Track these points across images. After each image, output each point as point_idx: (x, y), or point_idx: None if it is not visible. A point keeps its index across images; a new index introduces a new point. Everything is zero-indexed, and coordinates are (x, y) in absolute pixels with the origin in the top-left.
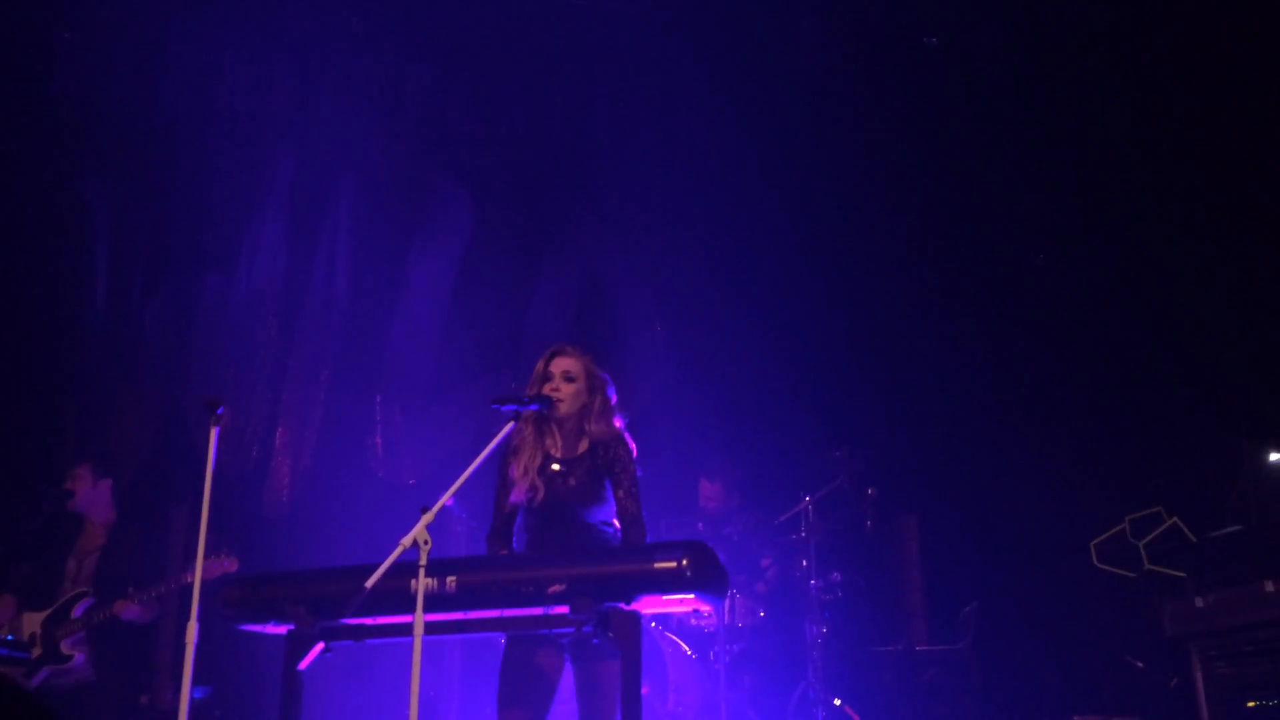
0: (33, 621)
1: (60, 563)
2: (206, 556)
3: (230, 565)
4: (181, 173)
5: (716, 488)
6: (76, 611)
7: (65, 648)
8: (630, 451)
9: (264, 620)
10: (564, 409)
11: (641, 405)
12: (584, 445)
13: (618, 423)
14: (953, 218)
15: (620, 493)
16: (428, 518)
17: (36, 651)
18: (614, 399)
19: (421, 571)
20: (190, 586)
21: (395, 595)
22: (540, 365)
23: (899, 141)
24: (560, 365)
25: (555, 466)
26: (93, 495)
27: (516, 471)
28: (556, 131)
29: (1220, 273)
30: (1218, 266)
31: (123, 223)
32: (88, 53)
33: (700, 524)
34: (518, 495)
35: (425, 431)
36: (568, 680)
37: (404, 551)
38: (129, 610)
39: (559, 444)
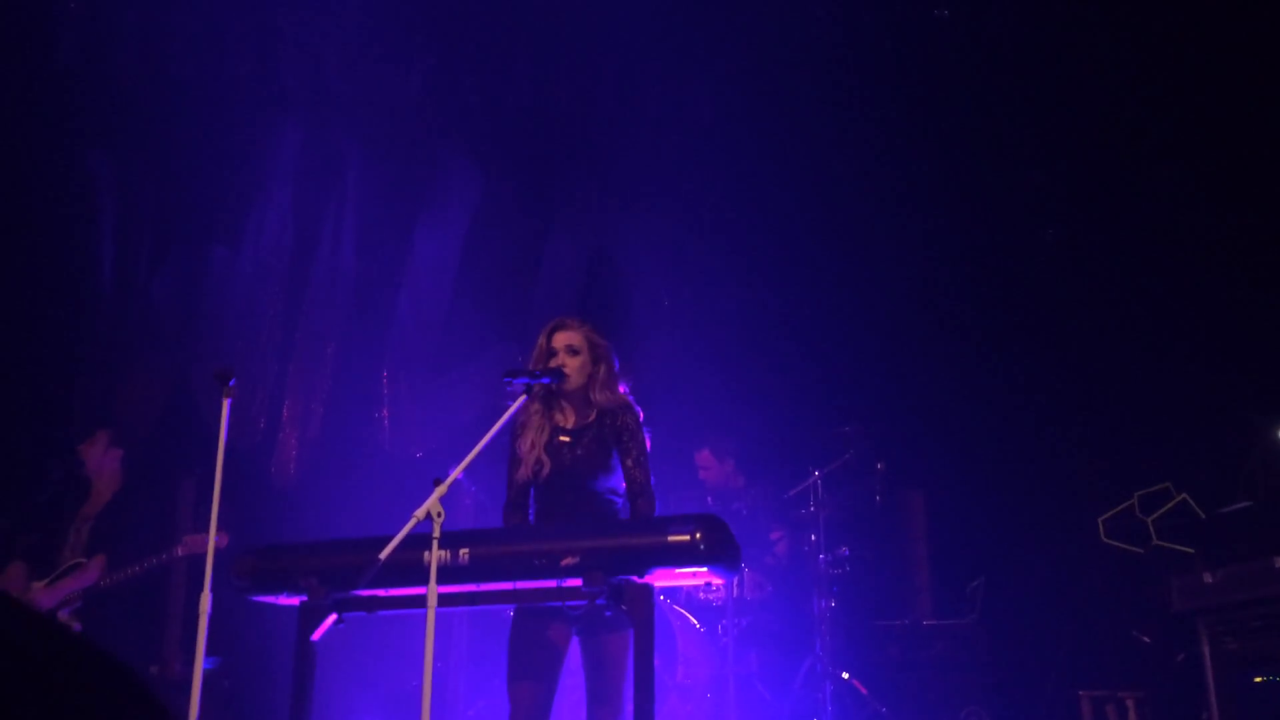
0: (38, 590)
1: (64, 531)
2: (198, 532)
3: (221, 541)
4: (188, 145)
5: (705, 455)
6: (84, 580)
7: (62, 618)
8: (638, 419)
9: (276, 591)
10: (571, 383)
11: (649, 379)
12: (592, 415)
13: (622, 389)
14: (963, 192)
15: (628, 461)
16: (441, 490)
17: None
18: (617, 365)
19: (435, 543)
20: (183, 560)
21: (408, 567)
22: (542, 341)
23: (909, 115)
24: (562, 340)
25: (563, 438)
26: (102, 461)
27: (524, 448)
28: (563, 104)
29: (1230, 248)
30: (1227, 242)
31: (129, 195)
32: (93, 24)
33: (709, 498)
34: (526, 471)
35: (432, 405)
36: (574, 653)
37: (417, 524)
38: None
39: (568, 416)
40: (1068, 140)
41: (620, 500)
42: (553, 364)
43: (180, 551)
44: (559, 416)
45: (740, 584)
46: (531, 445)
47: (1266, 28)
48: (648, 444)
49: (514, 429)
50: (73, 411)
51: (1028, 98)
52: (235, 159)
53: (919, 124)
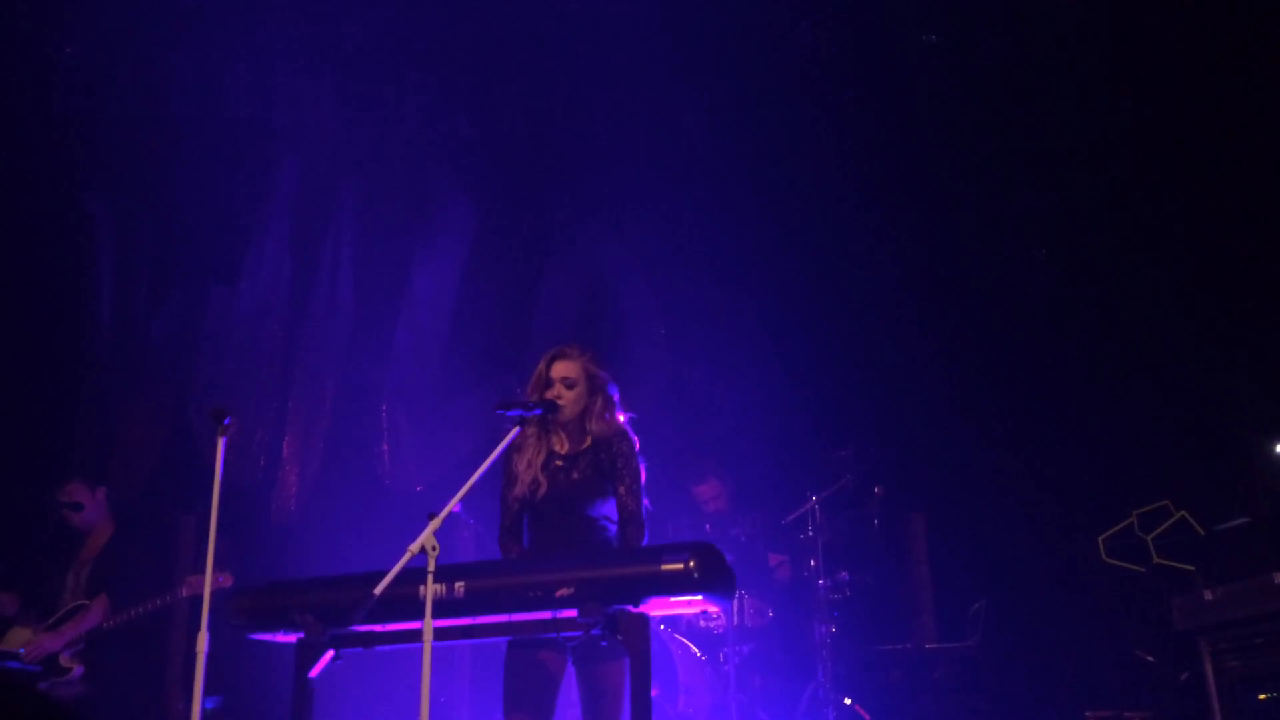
0: (40, 634)
1: (63, 574)
2: (200, 571)
3: (224, 581)
4: (185, 184)
5: (708, 487)
6: (87, 622)
7: (64, 660)
8: (633, 447)
9: (274, 629)
10: (565, 414)
11: (646, 407)
12: (587, 441)
13: (620, 418)
14: (955, 214)
15: (620, 489)
16: (435, 524)
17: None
18: (615, 396)
19: (430, 577)
20: (188, 600)
21: (404, 601)
22: (541, 368)
23: (900, 139)
24: (560, 370)
25: (559, 462)
26: (94, 506)
27: (520, 467)
28: (557, 136)
29: (1226, 265)
30: (1224, 258)
31: (127, 235)
32: (90, 67)
33: (707, 525)
34: (521, 490)
35: (431, 438)
36: (572, 683)
37: (412, 558)
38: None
39: (562, 442)
40: (1059, 160)
41: (614, 528)
42: (549, 394)
43: (184, 591)
44: (555, 440)
45: (741, 611)
46: (528, 465)
47: (1256, 51)
48: (643, 473)
49: (509, 451)
50: (72, 453)
51: (1018, 121)
52: (232, 198)
53: (910, 148)
